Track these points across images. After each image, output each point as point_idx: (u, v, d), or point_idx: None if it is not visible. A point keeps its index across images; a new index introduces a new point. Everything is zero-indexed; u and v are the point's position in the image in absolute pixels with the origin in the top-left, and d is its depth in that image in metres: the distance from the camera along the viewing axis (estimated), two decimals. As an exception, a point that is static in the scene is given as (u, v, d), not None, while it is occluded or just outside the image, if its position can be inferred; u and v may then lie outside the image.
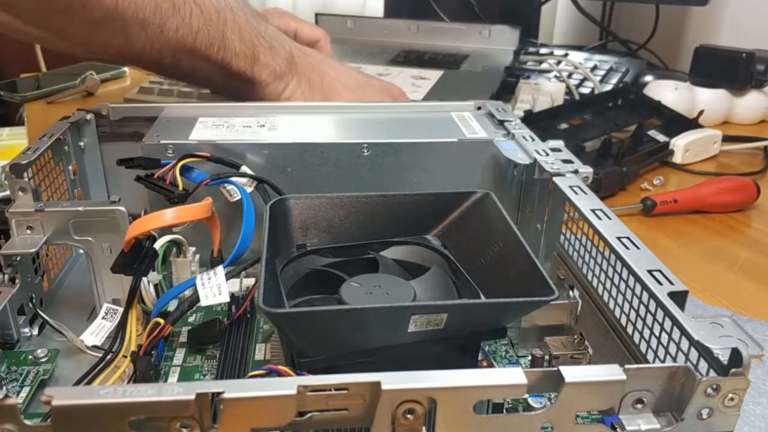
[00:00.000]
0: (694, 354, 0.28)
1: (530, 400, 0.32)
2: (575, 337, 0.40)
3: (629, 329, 0.34)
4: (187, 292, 0.40)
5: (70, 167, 0.51)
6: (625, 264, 0.34)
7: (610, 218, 0.38)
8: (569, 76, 0.93)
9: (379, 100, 0.66)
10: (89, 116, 0.53)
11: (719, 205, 0.64)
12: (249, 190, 0.45)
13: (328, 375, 0.24)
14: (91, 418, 0.22)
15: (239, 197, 0.44)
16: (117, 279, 0.42)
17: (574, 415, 0.25)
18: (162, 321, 0.37)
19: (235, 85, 0.61)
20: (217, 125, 0.50)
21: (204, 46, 0.56)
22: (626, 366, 0.25)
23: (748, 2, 1.06)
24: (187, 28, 0.55)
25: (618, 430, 0.26)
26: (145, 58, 0.56)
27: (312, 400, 0.23)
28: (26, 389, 0.37)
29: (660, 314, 0.31)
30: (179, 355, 0.40)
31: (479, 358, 0.36)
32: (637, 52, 1.11)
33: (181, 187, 0.43)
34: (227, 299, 0.38)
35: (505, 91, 0.85)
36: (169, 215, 0.38)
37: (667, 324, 0.30)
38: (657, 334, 0.31)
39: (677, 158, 0.75)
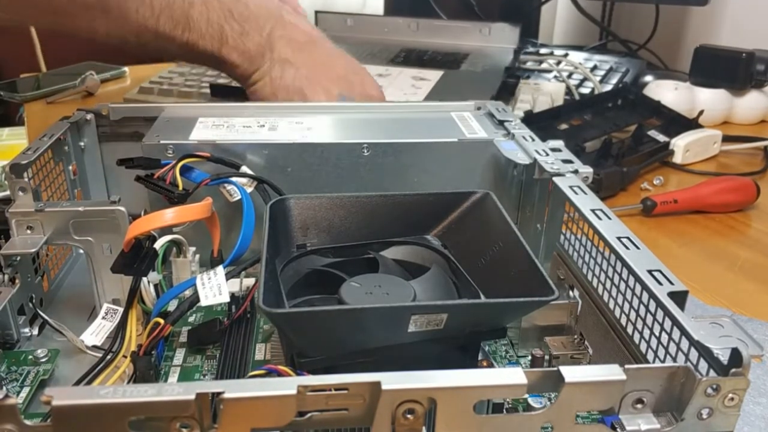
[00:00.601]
0: (694, 354, 0.28)
1: (530, 400, 0.32)
2: (575, 337, 0.40)
3: (629, 329, 0.34)
4: (187, 292, 0.40)
5: (70, 167, 0.51)
6: (625, 264, 0.34)
7: (610, 218, 0.38)
8: (569, 76, 0.93)
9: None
10: (89, 116, 0.53)
11: (719, 205, 0.64)
12: (249, 190, 0.45)
13: (328, 375, 0.24)
14: (91, 418, 0.22)
15: (239, 197, 0.44)
16: (117, 279, 0.42)
17: (574, 415, 0.25)
18: (162, 321, 0.37)
19: (205, 63, 0.61)
20: (217, 125, 0.50)
21: (168, 28, 0.56)
22: (626, 366, 0.25)
23: (748, 2, 1.06)
24: (148, 10, 0.55)
25: (618, 430, 0.26)
26: (112, 40, 0.57)
27: (312, 400, 0.23)
28: (26, 389, 0.37)
29: (660, 314, 0.31)
30: (179, 355, 0.40)
31: (479, 358, 0.36)
32: (637, 52, 1.11)
33: (181, 187, 0.43)
34: (227, 299, 0.38)
35: (505, 92, 0.85)
36: (169, 215, 0.38)
37: (667, 324, 0.30)
38: (657, 334, 0.31)
39: (677, 158, 0.75)
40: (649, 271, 0.32)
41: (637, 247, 0.35)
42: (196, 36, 0.58)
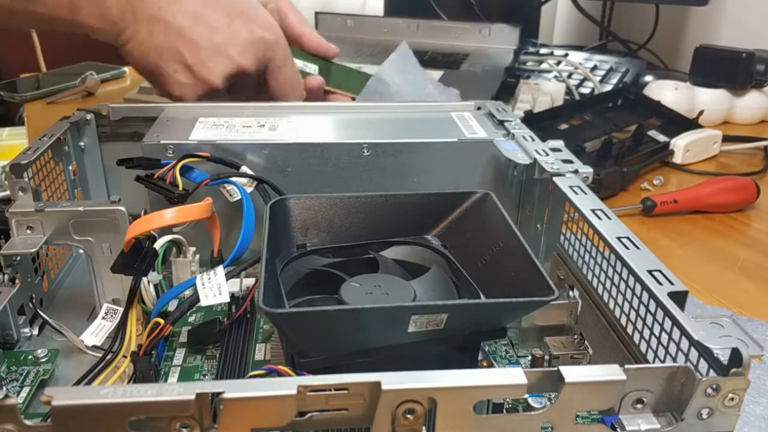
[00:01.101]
0: (694, 354, 0.28)
1: (530, 400, 0.32)
2: (575, 337, 0.40)
3: (629, 329, 0.34)
4: (187, 292, 0.40)
5: (70, 167, 0.51)
6: (625, 264, 0.34)
7: (610, 218, 0.38)
8: (569, 76, 0.93)
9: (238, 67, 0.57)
10: (89, 116, 0.53)
11: (719, 205, 0.64)
12: (249, 190, 0.45)
13: (328, 375, 0.24)
14: (91, 418, 0.22)
15: (239, 197, 0.44)
16: (117, 279, 0.42)
17: (574, 415, 0.25)
18: (162, 321, 0.37)
19: (67, 30, 0.56)
20: (217, 125, 0.50)
21: (6, 1, 0.52)
22: (626, 366, 0.25)
23: (748, 2, 1.06)
24: None
25: (618, 430, 0.26)
26: None
27: (312, 400, 0.23)
28: (26, 389, 0.37)
29: (660, 314, 0.31)
30: (179, 355, 0.40)
31: (479, 358, 0.36)
32: (637, 52, 1.11)
33: (181, 187, 0.43)
34: (227, 299, 0.38)
35: (505, 92, 0.85)
36: (169, 215, 0.38)
37: (667, 324, 0.30)
38: (657, 334, 0.31)
39: (677, 158, 0.75)
40: (649, 271, 0.32)
41: (637, 247, 0.35)
42: (42, 7, 0.52)
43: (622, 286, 0.34)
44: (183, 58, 0.56)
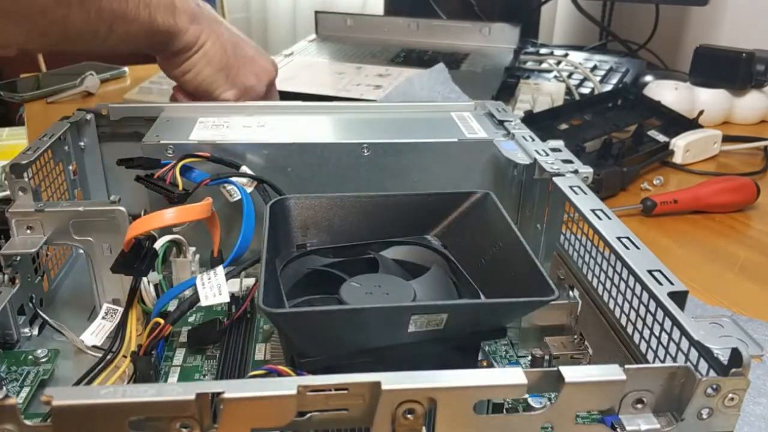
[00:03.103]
0: (694, 354, 0.28)
1: (530, 400, 0.32)
2: (575, 337, 0.40)
3: (629, 329, 0.34)
4: (187, 292, 0.40)
5: (70, 167, 0.51)
6: (625, 264, 0.34)
7: (610, 218, 0.38)
8: (569, 76, 0.93)
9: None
10: (89, 116, 0.53)
11: (719, 205, 0.64)
12: (249, 190, 0.45)
13: (328, 375, 0.24)
14: (91, 418, 0.22)
15: (239, 197, 0.44)
16: (117, 279, 0.42)
17: (574, 415, 0.25)
18: (162, 321, 0.37)
19: (152, 45, 0.57)
20: (217, 125, 0.50)
21: (132, 6, 0.53)
22: (626, 366, 0.25)
23: (748, 2, 1.06)
24: None
25: (618, 430, 0.26)
26: (83, 35, 0.52)
27: (312, 400, 0.23)
28: (26, 389, 0.37)
29: (660, 314, 0.31)
30: (179, 355, 0.40)
31: (479, 358, 0.36)
32: (637, 52, 1.11)
33: (181, 187, 0.43)
34: (227, 299, 0.38)
35: (505, 92, 0.85)
36: (169, 215, 0.38)
37: (667, 324, 0.30)
38: (657, 334, 0.31)
39: (677, 158, 0.75)
40: (649, 271, 0.32)
41: (637, 247, 0.35)
42: (153, 10, 0.54)
43: (622, 286, 0.34)
44: (241, 49, 0.63)
